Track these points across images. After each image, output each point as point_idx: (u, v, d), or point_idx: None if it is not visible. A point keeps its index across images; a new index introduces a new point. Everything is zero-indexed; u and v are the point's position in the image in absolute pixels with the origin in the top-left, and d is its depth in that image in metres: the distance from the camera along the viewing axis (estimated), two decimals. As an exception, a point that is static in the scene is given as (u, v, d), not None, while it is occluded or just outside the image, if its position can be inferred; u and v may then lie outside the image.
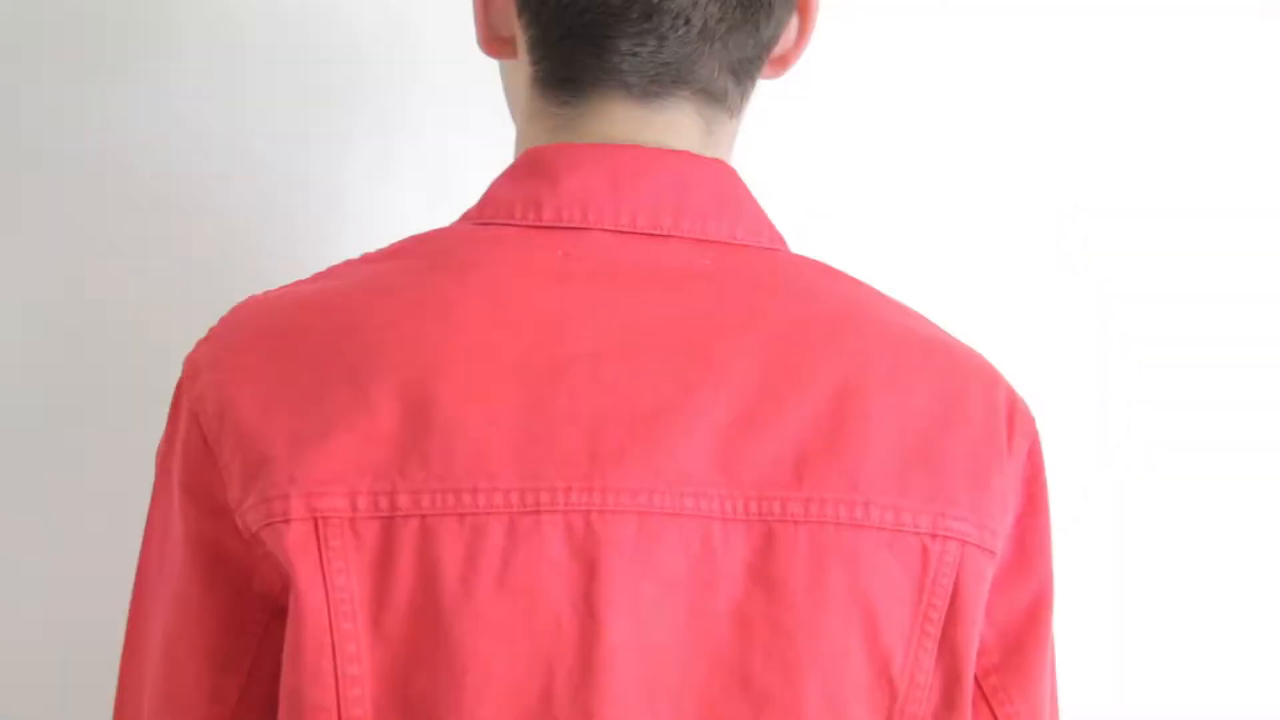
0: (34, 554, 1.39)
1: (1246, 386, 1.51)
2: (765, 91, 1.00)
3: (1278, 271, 1.51)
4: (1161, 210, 1.51)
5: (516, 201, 0.91)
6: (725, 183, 0.93)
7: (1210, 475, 1.51)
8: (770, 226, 0.95)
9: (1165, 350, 1.51)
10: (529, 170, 0.92)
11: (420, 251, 0.91)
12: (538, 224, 0.90)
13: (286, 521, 0.83)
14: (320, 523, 0.83)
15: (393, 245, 0.93)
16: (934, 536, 0.88)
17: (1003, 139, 1.50)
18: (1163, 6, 1.49)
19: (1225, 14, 1.49)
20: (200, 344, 0.91)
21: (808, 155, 1.47)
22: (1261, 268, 1.51)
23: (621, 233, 0.90)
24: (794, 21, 0.96)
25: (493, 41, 0.97)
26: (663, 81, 0.91)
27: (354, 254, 0.95)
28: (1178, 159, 1.50)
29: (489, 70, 1.04)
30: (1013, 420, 0.94)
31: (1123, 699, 1.43)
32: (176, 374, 0.91)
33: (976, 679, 0.92)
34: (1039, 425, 0.95)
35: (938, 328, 0.96)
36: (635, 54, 0.90)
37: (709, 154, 0.94)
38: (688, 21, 0.89)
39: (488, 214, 0.92)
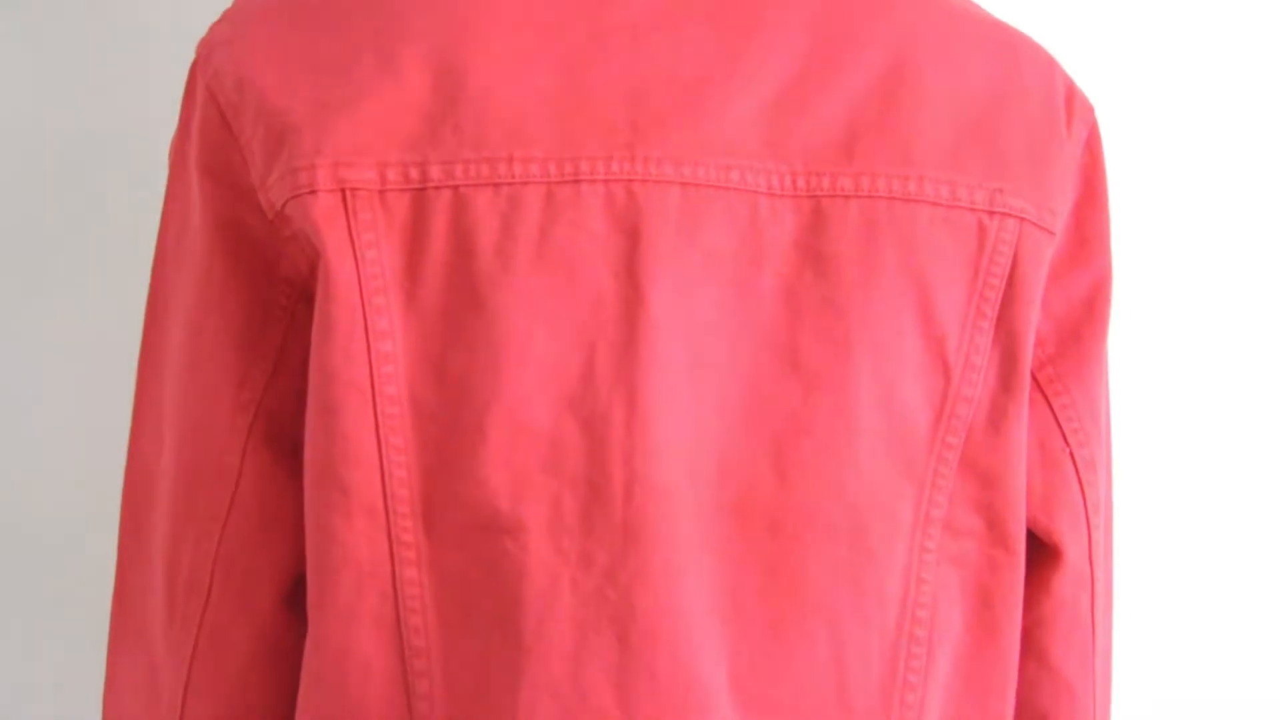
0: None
1: (1236, 385, 1.45)
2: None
3: (1276, 271, 1.44)
4: (1162, 210, 1.42)
5: None
6: None
7: (1200, 474, 1.45)
8: None
9: (1165, 349, 1.44)
10: None
11: None
12: None
13: (313, 193, 0.79)
14: (349, 194, 0.79)
15: None
16: (990, 214, 0.84)
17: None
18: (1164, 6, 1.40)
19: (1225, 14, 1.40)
20: (213, 26, 0.86)
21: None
22: (1262, 267, 1.44)
23: None
24: None
25: None
26: None
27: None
28: (1178, 159, 1.41)
29: None
30: (1071, 104, 0.89)
31: (1122, 698, 1.38)
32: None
33: (1032, 371, 0.89)
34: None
35: (991, 15, 0.91)
36: None
37: None
38: None
39: None
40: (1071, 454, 0.89)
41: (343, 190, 0.79)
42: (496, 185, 0.79)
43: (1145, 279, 1.38)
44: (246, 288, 0.84)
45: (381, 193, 0.79)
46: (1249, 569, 1.41)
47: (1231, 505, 1.41)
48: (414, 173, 0.79)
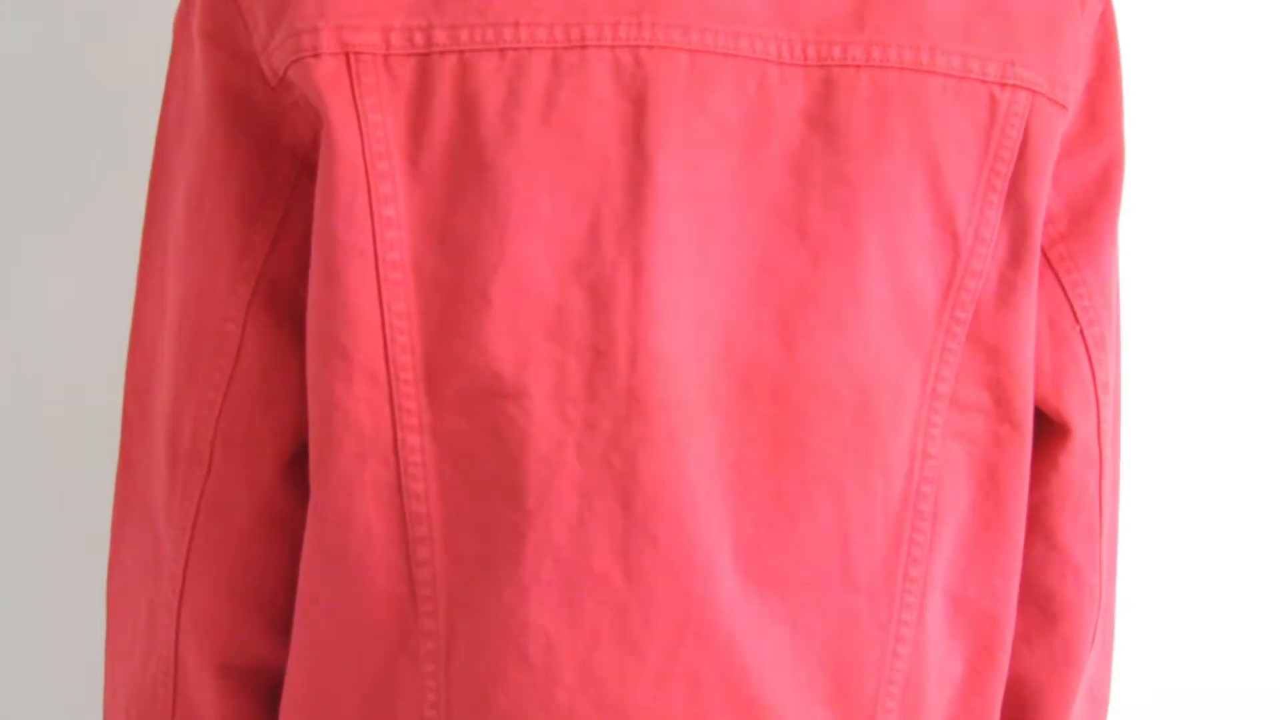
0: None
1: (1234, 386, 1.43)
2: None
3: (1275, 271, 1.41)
4: (1163, 209, 1.39)
5: None
6: None
7: (1200, 474, 1.42)
8: None
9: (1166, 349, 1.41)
10: None
11: None
12: None
13: (316, 56, 0.78)
14: (352, 59, 0.78)
15: None
16: (1003, 85, 0.83)
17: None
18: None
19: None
20: None
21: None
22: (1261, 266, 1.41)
23: None
24: None
25: None
26: None
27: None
28: (1180, 158, 1.38)
29: None
30: None
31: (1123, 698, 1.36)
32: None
33: (1043, 248, 0.88)
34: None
35: None
36: None
37: None
38: None
39: None
40: (1081, 332, 0.88)
41: (346, 54, 0.78)
42: (502, 50, 0.78)
43: (1148, 279, 1.36)
44: (248, 156, 0.83)
45: (385, 57, 0.78)
46: (1249, 569, 1.40)
47: (1232, 505, 1.40)
48: (419, 37, 0.78)
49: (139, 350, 0.89)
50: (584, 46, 0.78)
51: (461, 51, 0.78)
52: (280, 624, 0.86)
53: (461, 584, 0.80)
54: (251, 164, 0.83)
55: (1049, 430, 0.89)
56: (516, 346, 0.78)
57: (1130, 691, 1.32)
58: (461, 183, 0.78)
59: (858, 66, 0.81)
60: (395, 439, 0.80)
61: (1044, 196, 0.85)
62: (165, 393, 0.86)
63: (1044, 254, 0.88)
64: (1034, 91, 0.83)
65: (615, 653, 0.79)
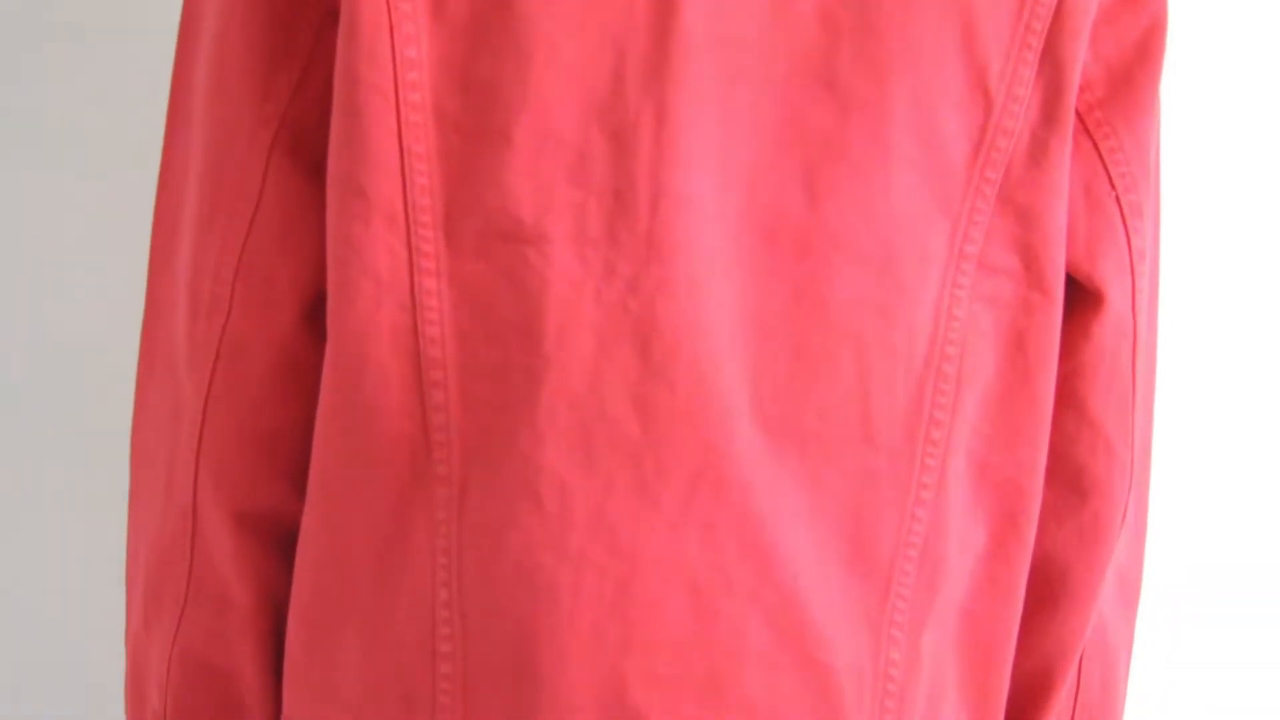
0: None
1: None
2: None
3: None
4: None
5: None
6: None
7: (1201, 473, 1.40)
8: None
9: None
10: None
11: None
12: None
13: None
14: None
15: None
16: None
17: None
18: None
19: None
20: None
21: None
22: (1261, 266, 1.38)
23: None
24: None
25: None
26: None
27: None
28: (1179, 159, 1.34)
29: None
30: None
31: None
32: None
33: (1079, 113, 0.86)
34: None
35: None
36: None
37: None
38: None
39: None
40: (1118, 198, 0.86)
41: None
42: None
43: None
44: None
45: None
46: (1250, 568, 1.38)
47: (1233, 505, 1.38)
48: None
49: (165, 198, 0.89)
50: None
51: None
52: (297, 475, 0.86)
53: (476, 429, 0.79)
54: (276, 7, 0.82)
55: (1082, 298, 0.87)
56: (537, 189, 0.77)
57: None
58: (485, 25, 0.77)
59: None
60: (412, 282, 0.79)
61: (1080, 56, 0.83)
62: (188, 240, 0.85)
63: (1081, 120, 0.86)
64: None
65: (629, 499, 0.78)
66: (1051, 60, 0.82)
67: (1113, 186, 0.86)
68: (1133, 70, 0.87)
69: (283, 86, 0.83)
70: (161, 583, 0.90)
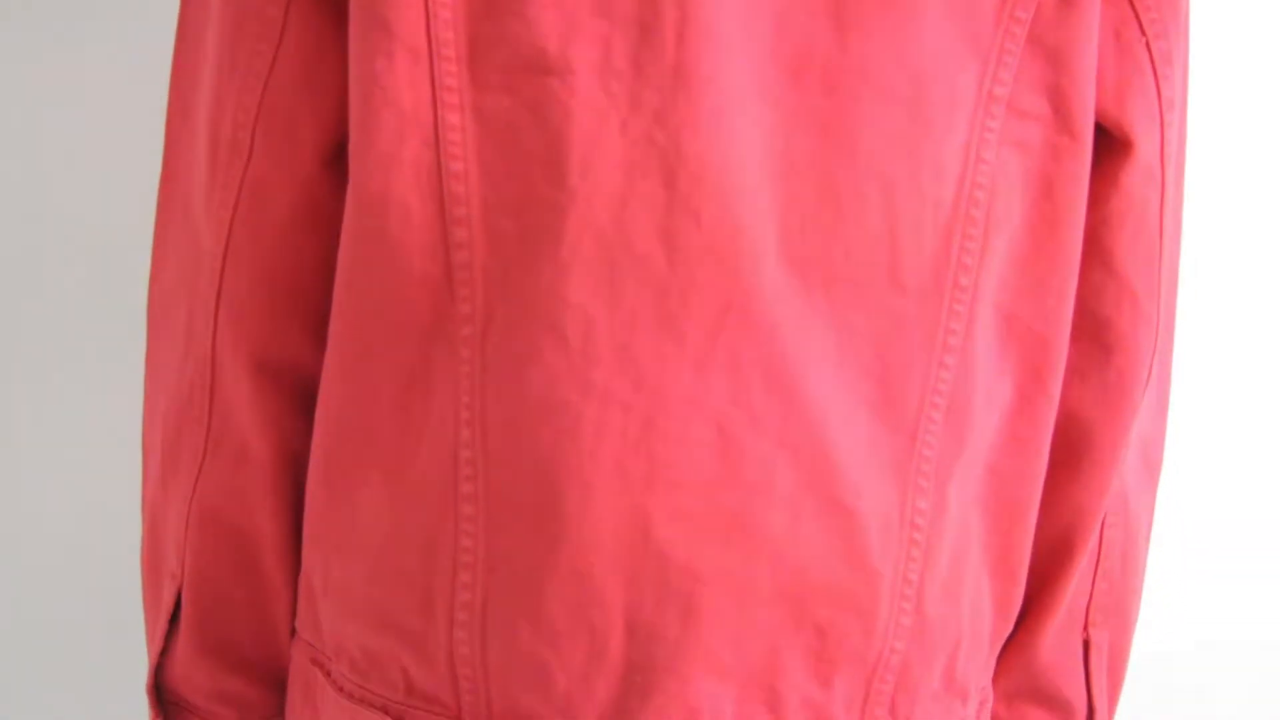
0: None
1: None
2: None
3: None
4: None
5: None
6: None
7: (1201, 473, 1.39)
8: None
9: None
10: None
11: None
12: None
13: None
14: None
15: None
16: None
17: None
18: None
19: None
20: None
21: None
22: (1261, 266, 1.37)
23: None
24: None
25: None
26: None
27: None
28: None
29: None
30: None
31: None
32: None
33: None
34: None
35: None
36: None
37: None
38: None
39: None
40: (1148, 44, 0.85)
41: None
42: None
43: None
44: None
45: None
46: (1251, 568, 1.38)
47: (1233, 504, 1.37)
48: None
49: (182, 48, 0.88)
50: None
51: None
52: (317, 325, 0.85)
53: (499, 265, 0.78)
54: None
55: (1110, 145, 0.86)
56: (562, 20, 0.76)
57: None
58: None
59: None
60: (436, 117, 0.78)
61: None
62: (208, 86, 0.84)
63: None
64: None
65: (654, 334, 0.78)
66: None
67: (1143, 32, 0.85)
68: None
69: None
70: (179, 438, 0.89)
